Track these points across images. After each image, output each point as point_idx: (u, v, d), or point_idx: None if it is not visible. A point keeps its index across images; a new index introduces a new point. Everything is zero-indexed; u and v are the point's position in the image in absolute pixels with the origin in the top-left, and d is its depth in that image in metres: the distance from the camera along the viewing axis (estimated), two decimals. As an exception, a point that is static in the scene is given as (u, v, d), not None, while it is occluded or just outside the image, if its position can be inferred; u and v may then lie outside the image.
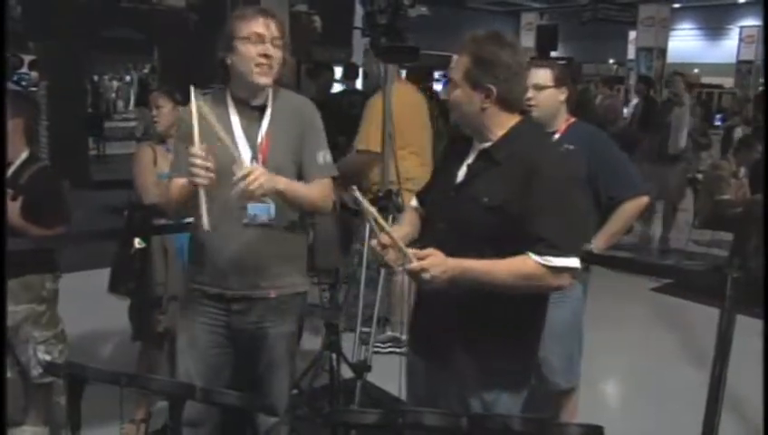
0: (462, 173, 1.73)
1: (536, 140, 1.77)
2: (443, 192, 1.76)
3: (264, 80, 1.96)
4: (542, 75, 2.56)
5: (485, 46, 1.65)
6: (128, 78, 20.18)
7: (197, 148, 1.79)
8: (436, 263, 1.56)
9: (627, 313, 4.91)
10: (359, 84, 6.26)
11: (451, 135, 2.02)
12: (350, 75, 6.20)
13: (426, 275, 1.56)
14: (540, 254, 1.58)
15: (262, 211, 2.00)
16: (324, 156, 2.08)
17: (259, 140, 2.00)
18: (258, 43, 1.93)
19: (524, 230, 1.59)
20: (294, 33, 6.04)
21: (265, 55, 1.93)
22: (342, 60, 7.39)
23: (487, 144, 1.70)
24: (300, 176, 2.06)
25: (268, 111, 2.02)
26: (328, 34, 7.25)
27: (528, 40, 17.10)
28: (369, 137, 3.67)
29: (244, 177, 1.78)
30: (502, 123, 1.70)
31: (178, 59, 7.19)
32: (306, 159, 2.05)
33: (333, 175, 2.12)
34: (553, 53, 13.46)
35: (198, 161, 1.78)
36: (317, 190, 2.04)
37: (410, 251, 1.59)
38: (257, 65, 1.93)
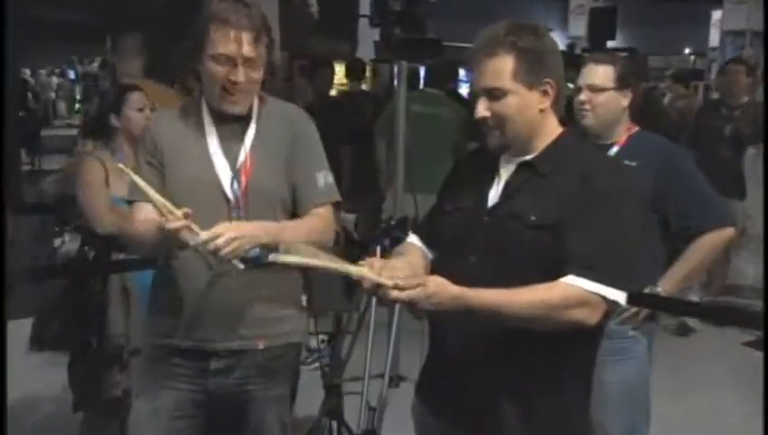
0: (495, 193, 1.79)
1: (588, 149, 1.87)
2: (470, 219, 1.80)
3: (232, 108, 2.03)
4: (602, 74, 2.61)
5: (525, 36, 1.71)
6: (71, 73, 20.19)
7: (174, 216, 1.84)
8: (426, 293, 1.56)
9: (709, 374, 4.88)
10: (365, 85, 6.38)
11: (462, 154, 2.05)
12: (355, 74, 6.32)
13: (424, 305, 1.57)
14: (571, 274, 1.62)
15: None
16: (325, 177, 2.14)
17: (241, 158, 2.06)
18: (226, 65, 1.98)
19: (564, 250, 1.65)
20: (286, 23, 6.16)
21: (233, 81, 1.98)
22: (345, 55, 7.48)
23: (529, 156, 1.77)
24: (294, 201, 2.12)
25: (252, 124, 2.10)
26: (327, 23, 7.33)
27: (578, 27, 17.13)
28: None
29: (212, 239, 1.84)
30: (551, 130, 1.79)
31: (139, 51, 7.27)
32: (302, 182, 2.12)
33: (336, 200, 2.18)
34: (611, 43, 13.46)
35: (181, 229, 1.85)
36: (314, 225, 2.09)
37: (388, 277, 1.58)
38: (223, 90, 2.00)
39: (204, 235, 1.83)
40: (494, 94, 1.73)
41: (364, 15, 4.58)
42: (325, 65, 6.20)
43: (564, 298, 1.61)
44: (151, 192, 1.86)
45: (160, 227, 1.85)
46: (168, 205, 1.86)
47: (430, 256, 1.95)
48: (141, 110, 3.01)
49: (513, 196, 1.75)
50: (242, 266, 1.89)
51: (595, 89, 2.59)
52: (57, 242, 3.02)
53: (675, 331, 5.35)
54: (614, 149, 2.61)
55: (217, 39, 1.96)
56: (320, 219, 2.11)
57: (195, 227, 1.85)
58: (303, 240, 2.03)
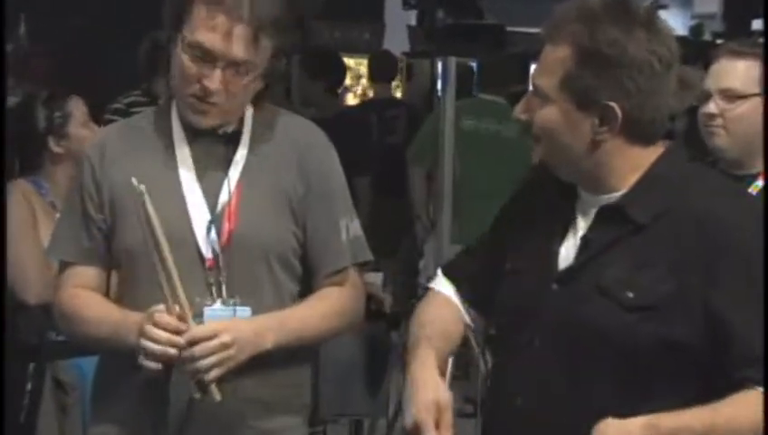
0: (570, 249, 1.78)
1: (704, 179, 1.81)
2: (533, 284, 1.79)
3: (198, 121, 2.03)
4: (742, 73, 2.60)
5: (602, 28, 1.66)
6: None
7: (167, 313, 1.90)
8: None
9: None
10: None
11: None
12: (380, 73, 6.43)
13: None
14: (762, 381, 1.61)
15: (227, 318, 2.03)
16: (349, 227, 2.15)
17: (224, 196, 2.06)
18: (201, 63, 1.96)
19: (718, 347, 1.63)
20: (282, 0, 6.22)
21: (205, 89, 1.96)
22: (367, 46, 7.56)
23: (613, 196, 1.75)
24: (304, 259, 2.12)
25: (243, 146, 2.10)
26: (341, 2, 7.42)
27: (708, 2, 17.19)
28: None
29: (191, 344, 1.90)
30: (634, 163, 1.75)
31: (65, 37, 7.38)
32: (316, 235, 2.12)
33: (366, 260, 2.19)
34: (757, 24, 13.32)
35: (159, 346, 1.89)
36: (332, 306, 2.10)
37: None
38: (192, 96, 1.99)
39: (188, 334, 1.88)
40: (539, 94, 1.73)
41: (394, -7, 4.62)
42: (336, 61, 6.24)
43: None
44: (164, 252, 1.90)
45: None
46: (181, 294, 1.90)
47: (468, 320, 1.95)
48: (86, 123, 3.08)
49: (596, 258, 1.73)
50: (218, 398, 1.94)
51: (732, 95, 2.59)
52: None
53: None
54: (758, 183, 2.61)
55: (200, 20, 1.96)
56: (341, 295, 2.11)
57: (187, 309, 1.90)
58: (316, 333, 2.08)
